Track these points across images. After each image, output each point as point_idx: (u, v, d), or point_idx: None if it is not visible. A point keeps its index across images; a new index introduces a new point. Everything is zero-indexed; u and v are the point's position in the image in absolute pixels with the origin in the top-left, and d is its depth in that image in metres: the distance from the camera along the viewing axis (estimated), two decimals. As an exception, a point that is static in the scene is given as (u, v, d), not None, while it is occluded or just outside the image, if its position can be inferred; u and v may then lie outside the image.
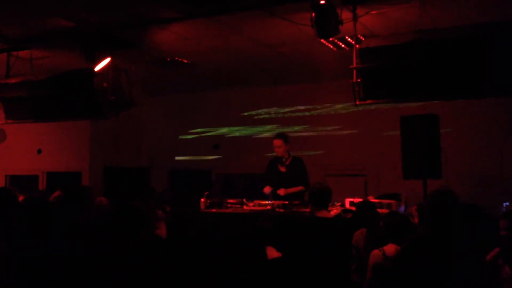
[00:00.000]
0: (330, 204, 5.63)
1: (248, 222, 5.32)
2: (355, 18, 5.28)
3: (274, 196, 6.41)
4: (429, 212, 3.24)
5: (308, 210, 5.06)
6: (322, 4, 4.90)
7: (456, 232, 3.12)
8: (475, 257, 3.15)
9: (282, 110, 9.39)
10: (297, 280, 4.16)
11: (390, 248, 3.96)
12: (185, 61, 7.89)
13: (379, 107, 7.29)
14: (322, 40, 6.27)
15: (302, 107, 9.25)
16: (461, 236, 3.12)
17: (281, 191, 6.37)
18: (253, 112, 9.65)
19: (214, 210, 6.14)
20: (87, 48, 6.45)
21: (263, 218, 4.77)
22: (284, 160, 6.67)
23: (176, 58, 7.78)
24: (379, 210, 5.02)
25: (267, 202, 6.18)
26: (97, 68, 6.46)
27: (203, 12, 5.87)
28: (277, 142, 6.63)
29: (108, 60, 6.50)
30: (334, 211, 5.48)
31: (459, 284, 3.00)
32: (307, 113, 9.20)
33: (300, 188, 6.41)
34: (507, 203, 6.33)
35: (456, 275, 2.99)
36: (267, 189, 6.49)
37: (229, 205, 6.20)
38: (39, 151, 10.09)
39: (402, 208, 5.57)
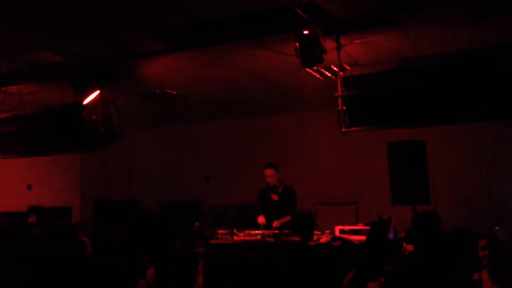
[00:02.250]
0: (319, 232, 5.64)
1: (237, 252, 5.29)
2: (338, 47, 5.39)
3: (268, 226, 6.38)
4: (414, 233, 3.31)
5: (298, 238, 5.05)
6: (306, 34, 5.00)
7: (442, 251, 3.17)
8: (462, 277, 3.17)
9: (271, 140, 9.43)
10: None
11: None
12: (174, 92, 7.96)
13: (368, 134, 7.34)
14: (307, 69, 6.37)
15: (291, 136, 9.30)
16: (447, 255, 3.15)
17: (275, 224, 6.35)
18: (243, 142, 9.69)
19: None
20: (76, 82, 6.53)
21: (248, 247, 4.73)
22: (276, 189, 6.67)
23: (165, 90, 7.85)
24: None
25: (257, 232, 6.15)
26: (86, 101, 6.51)
27: (191, 44, 5.96)
28: (269, 172, 6.65)
29: (97, 93, 6.56)
30: (324, 239, 5.46)
31: None
32: (296, 142, 9.25)
33: (288, 217, 6.38)
34: (497, 228, 6.34)
35: None
36: (261, 219, 6.46)
37: (219, 236, 6.16)
38: (29, 187, 10.03)
39: (391, 235, 5.54)
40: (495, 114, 4.92)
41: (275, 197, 6.69)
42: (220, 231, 6.25)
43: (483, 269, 4.02)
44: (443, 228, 4.91)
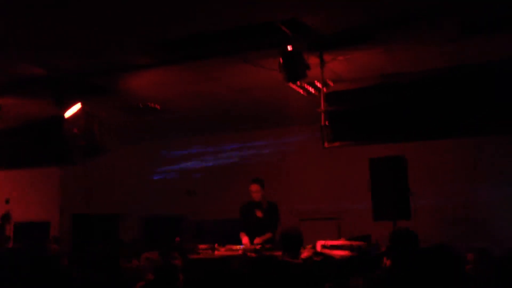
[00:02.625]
0: (302, 248, 5.62)
1: (218, 267, 5.24)
2: (322, 63, 5.45)
3: (250, 242, 6.35)
4: (390, 249, 3.40)
5: (279, 253, 5.02)
6: (289, 50, 5.06)
7: (419, 266, 3.23)
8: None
9: (254, 155, 9.43)
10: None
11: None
12: (158, 107, 7.93)
13: (350, 150, 7.39)
14: (291, 85, 6.42)
15: (274, 152, 9.32)
16: (424, 270, 3.20)
17: (257, 241, 6.31)
18: (225, 157, 9.68)
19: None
20: (58, 95, 6.46)
21: (236, 262, 4.70)
22: (261, 205, 6.63)
23: (149, 104, 7.82)
24: (348, 253, 5.03)
25: (238, 246, 6.12)
26: (67, 114, 6.45)
27: (176, 59, 5.97)
28: (255, 187, 6.61)
29: (78, 106, 6.50)
30: (305, 254, 5.44)
31: None
32: (279, 157, 9.27)
33: (269, 235, 6.38)
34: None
35: None
36: (245, 240, 6.41)
37: (200, 251, 6.10)
38: (7, 201, 9.84)
39: (372, 250, 5.56)
40: (475, 130, 5.01)
41: (259, 214, 6.64)
42: (201, 246, 6.20)
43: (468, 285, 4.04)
44: (423, 243, 4.96)
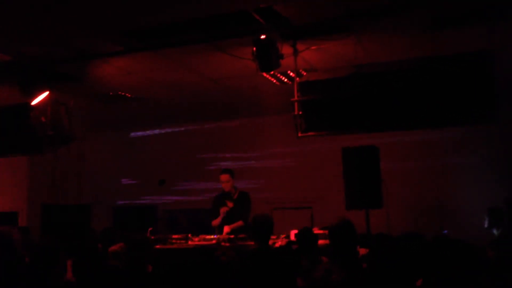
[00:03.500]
0: (275, 237, 5.64)
1: (192, 257, 5.21)
2: (295, 53, 5.43)
3: (219, 231, 6.35)
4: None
5: (253, 243, 5.03)
6: (263, 39, 5.02)
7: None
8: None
9: (227, 144, 9.39)
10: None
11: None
12: (128, 95, 7.80)
13: (323, 139, 7.43)
14: (264, 74, 6.39)
15: (247, 141, 9.30)
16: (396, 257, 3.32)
17: (226, 229, 6.33)
18: (198, 146, 9.61)
19: (158, 246, 5.97)
20: (24, 82, 6.27)
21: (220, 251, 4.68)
22: (232, 195, 6.64)
23: (119, 93, 7.68)
24: (323, 242, 5.06)
25: (212, 236, 6.10)
26: (35, 102, 6.28)
27: (147, 46, 5.86)
28: (224, 177, 6.63)
29: (46, 94, 6.33)
30: (279, 243, 5.47)
31: None
32: (252, 147, 9.25)
33: (239, 223, 6.39)
34: (446, 231, 6.54)
35: None
36: (216, 222, 6.43)
37: (173, 241, 6.06)
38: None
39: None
40: (445, 121, 5.09)
41: (230, 204, 6.65)
42: (174, 236, 6.16)
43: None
44: (394, 231, 5.05)
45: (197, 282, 4.13)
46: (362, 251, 4.71)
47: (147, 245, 4.86)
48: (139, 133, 10.00)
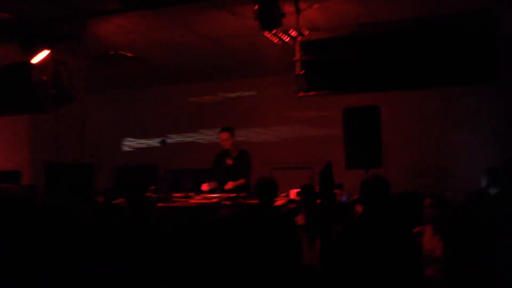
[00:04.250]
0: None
1: (194, 215, 5.30)
2: (297, 11, 5.37)
3: (221, 190, 6.42)
4: (362, 195, 3.48)
5: (254, 201, 5.11)
6: (265, -4, 4.96)
7: (388, 211, 3.38)
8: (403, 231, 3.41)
9: (227, 104, 9.40)
10: (250, 270, 4.19)
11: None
12: (129, 54, 7.75)
13: (324, 100, 7.42)
14: (265, 33, 6.32)
15: (247, 101, 9.29)
16: (393, 215, 3.36)
17: (229, 185, 6.38)
18: (198, 106, 9.62)
19: (160, 204, 6.07)
20: (25, 41, 6.24)
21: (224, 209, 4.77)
22: (231, 153, 6.69)
23: (120, 52, 7.63)
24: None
25: (213, 195, 6.18)
26: (35, 60, 6.26)
27: (146, 4, 5.79)
28: (224, 135, 6.66)
29: (47, 52, 6.31)
30: (280, 202, 5.55)
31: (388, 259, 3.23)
32: (253, 107, 9.25)
33: (242, 181, 6.44)
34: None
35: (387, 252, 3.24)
36: (205, 187, 6.47)
37: (175, 199, 6.15)
38: (-25, 150, 9.63)
39: (344, 197, 5.71)
40: (444, 80, 5.08)
41: (229, 161, 6.69)
42: (176, 195, 6.24)
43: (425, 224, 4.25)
44: (393, 190, 5.12)
45: (198, 239, 4.23)
46: (359, 208, 4.80)
47: (148, 203, 4.95)
48: (140, 93, 9.98)
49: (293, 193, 5.78)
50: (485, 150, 7.46)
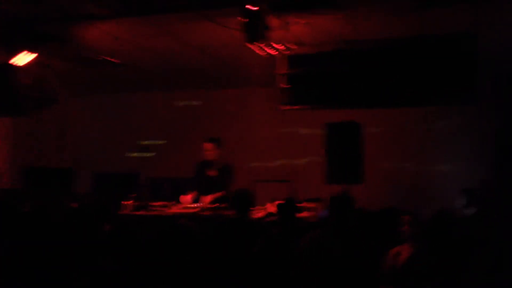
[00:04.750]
0: (256, 209, 5.73)
1: (172, 223, 5.27)
2: (283, 25, 5.43)
3: (199, 200, 6.37)
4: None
5: (233, 213, 5.11)
6: (250, 10, 5.00)
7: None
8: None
9: (210, 114, 9.40)
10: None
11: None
12: (116, 61, 7.73)
13: (306, 113, 7.47)
14: (250, 46, 6.36)
15: (230, 112, 9.31)
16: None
17: (207, 199, 6.29)
18: (182, 115, 9.61)
19: (139, 212, 6.03)
20: (8, 42, 6.20)
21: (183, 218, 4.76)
22: (215, 164, 6.62)
23: (106, 57, 7.61)
24: (303, 214, 5.19)
25: (194, 204, 6.15)
26: (19, 62, 6.22)
27: (134, 11, 5.80)
28: (208, 146, 6.57)
29: (31, 55, 6.27)
30: (259, 214, 5.55)
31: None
32: (235, 118, 9.27)
33: (221, 193, 6.35)
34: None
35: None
36: (183, 199, 6.39)
37: (154, 208, 6.12)
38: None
39: (325, 212, 5.72)
40: (426, 100, 5.17)
41: (212, 173, 6.62)
42: (155, 203, 6.21)
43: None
44: (372, 206, 5.17)
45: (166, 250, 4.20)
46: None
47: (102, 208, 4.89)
48: (123, 98, 9.93)
49: (271, 206, 5.78)
50: (465, 169, 7.56)
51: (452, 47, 5.04)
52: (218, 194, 6.37)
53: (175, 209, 6.06)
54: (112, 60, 7.68)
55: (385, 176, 7.90)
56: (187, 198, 6.38)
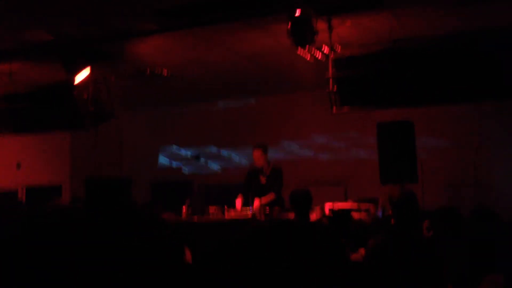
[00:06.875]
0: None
1: (228, 229, 5.37)
2: (330, 28, 5.44)
3: (251, 204, 6.38)
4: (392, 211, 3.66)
5: (289, 215, 5.14)
6: (298, 15, 5.05)
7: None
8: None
9: (261, 121, 9.48)
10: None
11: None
12: (165, 74, 7.95)
13: (358, 115, 7.43)
14: (299, 51, 6.41)
15: (281, 118, 9.36)
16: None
17: (257, 203, 6.21)
18: (233, 123, 9.75)
19: (195, 218, 6.18)
20: (67, 61, 6.51)
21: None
22: (264, 170, 6.63)
23: (156, 71, 7.84)
24: (357, 214, 5.15)
25: (248, 208, 6.21)
26: (77, 80, 6.52)
27: (181, 25, 5.96)
28: (256, 154, 6.57)
29: (88, 72, 6.56)
30: (314, 216, 5.56)
31: None
32: (287, 123, 9.31)
33: (272, 196, 6.34)
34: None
35: None
36: (238, 203, 6.31)
37: (210, 213, 6.23)
38: (18, 166, 10.00)
39: (379, 212, 5.69)
40: (478, 95, 5.05)
41: (262, 179, 6.60)
42: (211, 207, 6.30)
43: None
44: (429, 206, 5.09)
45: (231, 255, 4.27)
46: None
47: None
48: (174, 110, 10.18)
49: (327, 208, 5.79)
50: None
51: (500, 41, 4.91)
52: (269, 198, 6.40)
53: (230, 215, 6.14)
54: (162, 73, 7.90)
55: (441, 175, 7.72)
56: (239, 203, 6.44)
